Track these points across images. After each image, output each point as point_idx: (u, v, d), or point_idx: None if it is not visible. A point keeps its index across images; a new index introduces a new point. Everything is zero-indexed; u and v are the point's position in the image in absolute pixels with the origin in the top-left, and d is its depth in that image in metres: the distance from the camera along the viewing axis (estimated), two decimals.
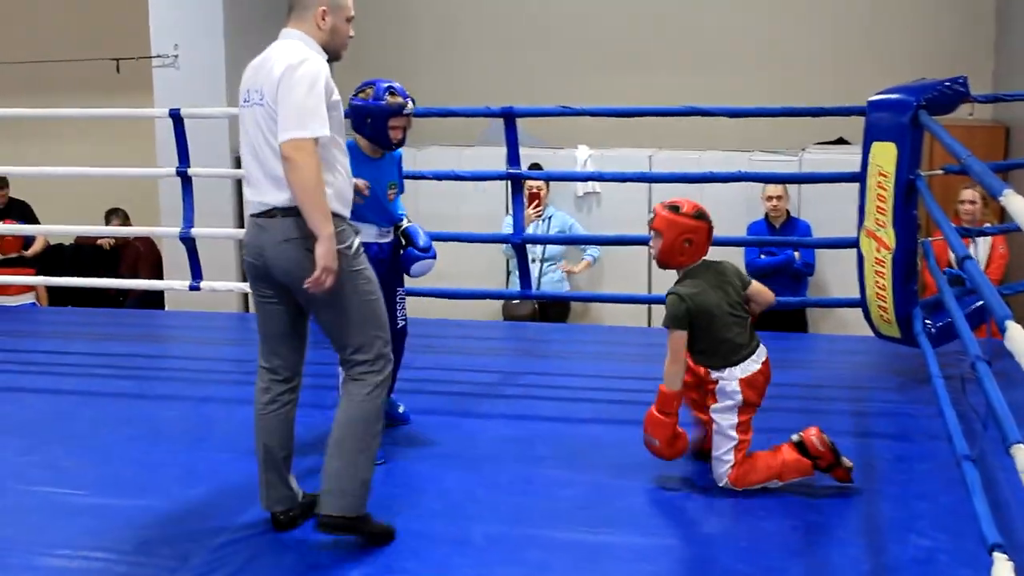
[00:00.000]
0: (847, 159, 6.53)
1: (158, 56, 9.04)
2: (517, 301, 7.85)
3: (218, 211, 8.70)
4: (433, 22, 10.12)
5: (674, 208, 4.33)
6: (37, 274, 8.90)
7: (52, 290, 9.37)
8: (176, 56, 9.00)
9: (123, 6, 10.36)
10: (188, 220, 7.05)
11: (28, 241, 9.09)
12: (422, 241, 4.82)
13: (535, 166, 7.88)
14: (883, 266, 5.42)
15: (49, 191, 9.97)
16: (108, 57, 9.49)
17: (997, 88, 8.62)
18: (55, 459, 4.75)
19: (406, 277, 4.95)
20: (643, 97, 8.19)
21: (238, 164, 8.91)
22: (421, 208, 7.35)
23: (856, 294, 5.79)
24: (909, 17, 9.44)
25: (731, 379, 4.27)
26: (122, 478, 4.52)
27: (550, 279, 8.13)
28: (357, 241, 3.86)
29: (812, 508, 4.15)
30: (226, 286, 7.24)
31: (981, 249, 6.88)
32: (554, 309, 8.25)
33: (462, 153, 8.64)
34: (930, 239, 5.67)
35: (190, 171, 7.06)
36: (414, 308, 4.83)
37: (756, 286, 4.44)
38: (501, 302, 8.26)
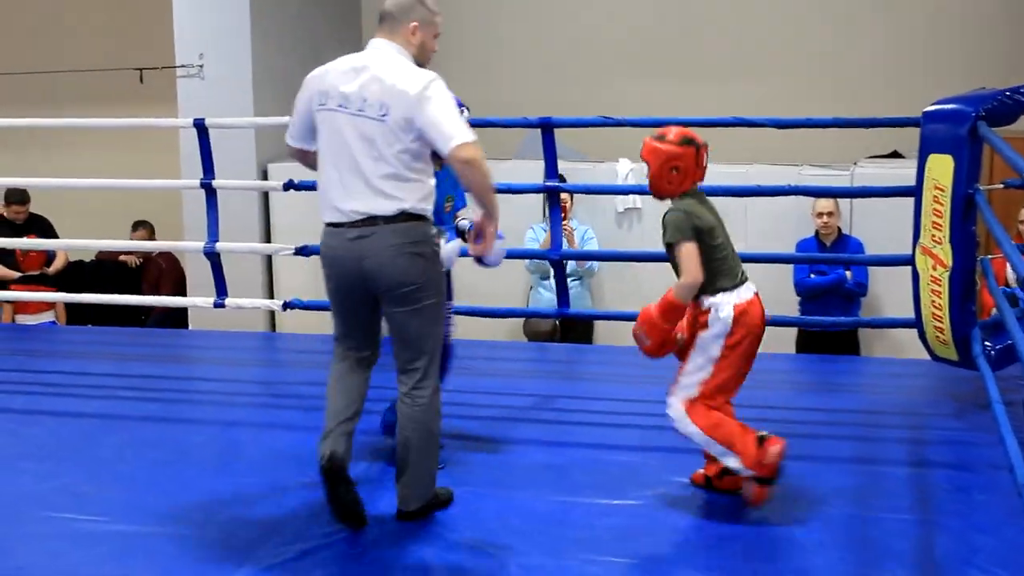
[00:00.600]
0: (901, 173, 6.50)
1: (182, 66, 9.11)
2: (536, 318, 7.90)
3: (244, 225, 8.76)
4: (470, 32, 10.17)
5: (660, 137, 4.38)
6: (57, 292, 8.93)
7: (71, 308, 9.45)
8: (201, 66, 9.07)
9: (147, 15, 10.48)
10: (213, 234, 7.09)
11: (50, 258, 9.16)
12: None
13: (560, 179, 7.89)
14: (939, 285, 5.40)
15: (70, 204, 10.08)
16: (131, 67, 9.59)
17: None
18: (76, 484, 4.78)
19: (455, 291, 5.07)
20: (687, 108, 8.19)
21: (264, 176, 9.02)
22: None
23: (911, 314, 5.76)
24: (967, 25, 9.41)
25: (726, 303, 4.32)
26: (146, 505, 4.54)
27: (573, 294, 8.12)
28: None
29: (865, 541, 4.13)
30: (252, 303, 7.27)
31: None
32: (579, 326, 8.25)
33: (498, 167, 8.63)
34: (989, 257, 5.65)
35: (215, 183, 7.10)
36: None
37: None
38: (521, 319, 8.27)
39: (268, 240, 9.10)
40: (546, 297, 8.03)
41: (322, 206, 4.22)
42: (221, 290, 7.11)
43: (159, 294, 9.59)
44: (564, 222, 8.04)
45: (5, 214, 9.08)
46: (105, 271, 10.47)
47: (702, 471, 4.57)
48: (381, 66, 4.10)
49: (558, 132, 6.65)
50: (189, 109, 8.79)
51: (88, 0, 11.39)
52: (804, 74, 9.58)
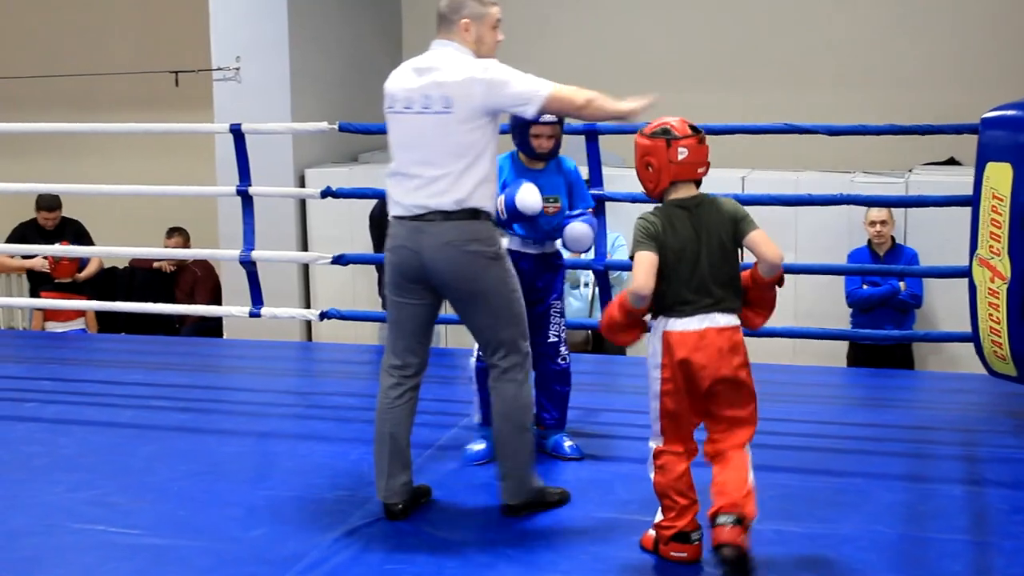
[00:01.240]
0: (958, 181, 6.48)
1: (219, 69, 9.17)
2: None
3: (281, 233, 8.81)
4: (516, 39, 10.17)
5: (641, 130, 4.14)
6: (89, 299, 9.01)
7: (103, 315, 9.52)
8: (238, 69, 9.13)
9: (183, 17, 10.55)
10: (249, 242, 7.12)
11: (82, 263, 9.22)
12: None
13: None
14: (997, 297, 5.36)
15: (103, 210, 10.17)
16: (166, 70, 9.66)
17: None
18: (108, 496, 4.82)
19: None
20: (735, 114, 8.20)
21: (302, 183, 9.08)
22: None
23: (967, 328, 5.72)
24: None
25: (658, 328, 4.03)
26: (179, 517, 4.59)
27: (578, 307, 8.10)
28: (504, 243, 4.42)
29: (917, 562, 4.10)
30: (288, 313, 7.30)
31: None
32: None
33: None
34: None
35: (251, 190, 7.13)
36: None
37: (755, 238, 4.05)
38: None
39: (305, 248, 9.16)
40: (575, 307, 8.01)
41: (389, 201, 4.46)
42: (257, 299, 7.14)
43: (194, 302, 9.65)
44: None
45: (37, 219, 9.17)
46: (138, 279, 10.53)
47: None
48: (440, 63, 4.31)
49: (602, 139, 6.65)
50: (225, 113, 8.84)
51: (123, 2, 11.49)
52: (856, 79, 9.54)
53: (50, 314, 9.10)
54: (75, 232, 9.25)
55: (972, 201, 5.50)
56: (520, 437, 4.43)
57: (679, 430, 4.04)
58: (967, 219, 5.54)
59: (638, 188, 4.22)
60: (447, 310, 4.92)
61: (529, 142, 5.01)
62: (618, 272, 8.04)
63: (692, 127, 4.04)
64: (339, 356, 7.72)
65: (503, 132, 4.63)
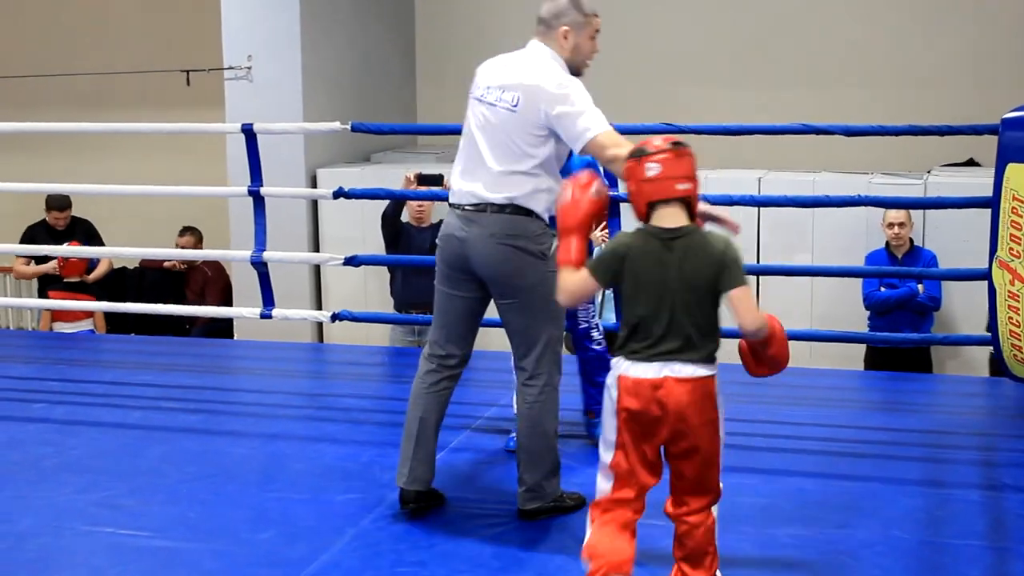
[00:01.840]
0: (978, 182, 6.46)
1: (230, 68, 9.18)
2: None
3: (292, 233, 8.82)
4: (528, 30, 10.19)
5: None
6: (98, 300, 9.04)
7: (113, 316, 9.54)
8: (250, 68, 9.14)
9: (194, 15, 10.58)
10: (260, 243, 7.11)
11: (92, 264, 9.24)
12: None
13: None
14: (1017, 301, 5.35)
15: (113, 211, 10.19)
16: (177, 69, 9.68)
17: None
18: (117, 497, 4.84)
19: None
20: (751, 114, 8.19)
21: (314, 183, 9.09)
22: None
23: (986, 331, 5.71)
24: None
25: (615, 370, 3.62)
26: (188, 519, 4.60)
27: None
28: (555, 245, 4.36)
29: (935, 567, 4.10)
30: (300, 314, 7.30)
31: None
32: None
33: None
34: None
35: (263, 190, 7.13)
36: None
37: (736, 297, 3.57)
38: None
39: (316, 249, 9.17)
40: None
41: (451, 187, 4.53)
42: (268, 300, 7.14)
43: (204, 302, 9.66)
44: (605, 231, 8.03)
45: (47, 219, 9.21)
46: (148, 279, 10.53)
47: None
48: (526, 62, 4.41)
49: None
50: (236, 113, 8.86)
51: (134, 1, 11.51)
52: (874, 79, 9.52)
53: (58, 314, 9.13)
54: (85, 232, 9.29)
55: (992, 203, 5.48)
56: (542, 444, 4.43)
57: (629, 486, 3.61)
58: (987, 221, 5.53)
59: None
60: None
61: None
62: None
63: (673, 143, 3.58)
64: (350, 358, 7.73)
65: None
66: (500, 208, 4.31)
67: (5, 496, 4.89)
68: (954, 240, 7.49)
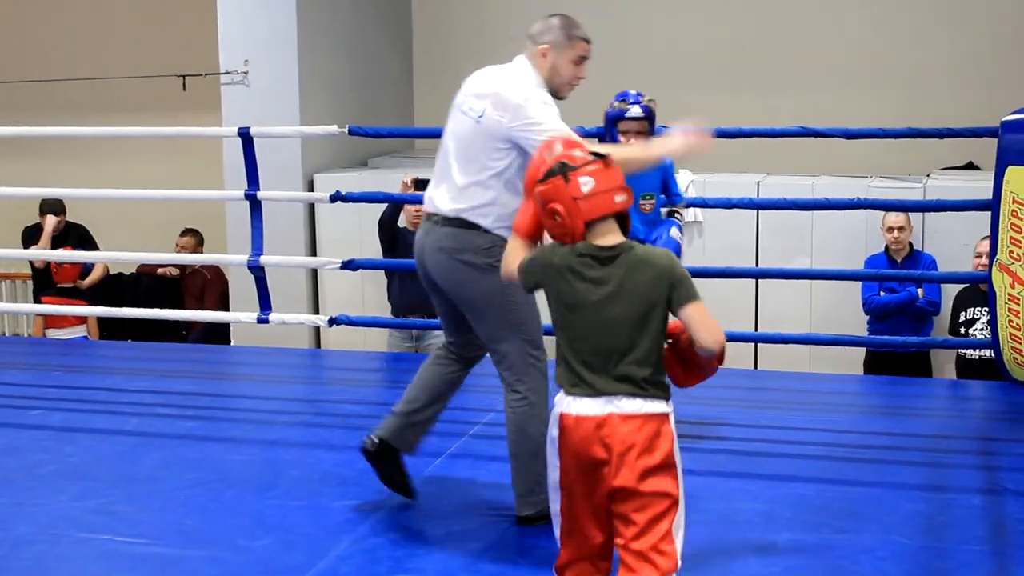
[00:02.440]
0: (977, 185, 6.46)
1: (227, 72, 9.18)
2: None
3: (290, 238, 8.81)
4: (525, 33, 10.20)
5: None
6: (93, 305, 9.00)
7: (111, 322, 9.53)
8: (246, 72, 9.14)
9: (190, 20, 10.58)
10: (257, 247, 7.12)
11: (86, 269, 9.23)
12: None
13: None
14: (1018, 304, 5.36)
15: (110, 215, 10.19)
16: (174, 74, 9.68)
17: None
18: (114, 504, 4.82)
19: None
20: (751, 117, 8.18)
21: (311, 187, 9.09)
22: None
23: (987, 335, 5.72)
24: None
25: (556, 407, 3.32)
26: (185, 526, 4.58)
27: None
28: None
29: (936, 573, 4.09)
30: (297, 319, 7.30)
31: None
32: None
33: None
34: None
35: (260, 194, 7.14)
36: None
37: (691, 314, 3.27)
38: None
39: (314, 253, 9.16)
40: None
41: None
42: (265, 305, 7.14)
43: (203, 306, 9.66)
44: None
45: (41, 224, 9.20)
46: (145, 284, 10.53)
47: None
48: (503, 74, 4.38)
49: None
50: (233, 117, 8.85)
51: (130, 4, 11.52)
52: (874, 82, 9.52)
53: (51, 320, 9.12)
54: (79, 237, 9.29)
55: (992, 206, 5.49)
56: (529, 450, 4.34)
57: (579, 540, 3.32)
58: (986, 224, 5.54)
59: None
60: None
61: (617, 139, 5.15)
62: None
63: (594, 153, 3.31)
64: (348, 363, 7.73)
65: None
66: (448, 221, 4.31)
67: (1, 503, 4.88)
68: (954, 244, 7.49)
